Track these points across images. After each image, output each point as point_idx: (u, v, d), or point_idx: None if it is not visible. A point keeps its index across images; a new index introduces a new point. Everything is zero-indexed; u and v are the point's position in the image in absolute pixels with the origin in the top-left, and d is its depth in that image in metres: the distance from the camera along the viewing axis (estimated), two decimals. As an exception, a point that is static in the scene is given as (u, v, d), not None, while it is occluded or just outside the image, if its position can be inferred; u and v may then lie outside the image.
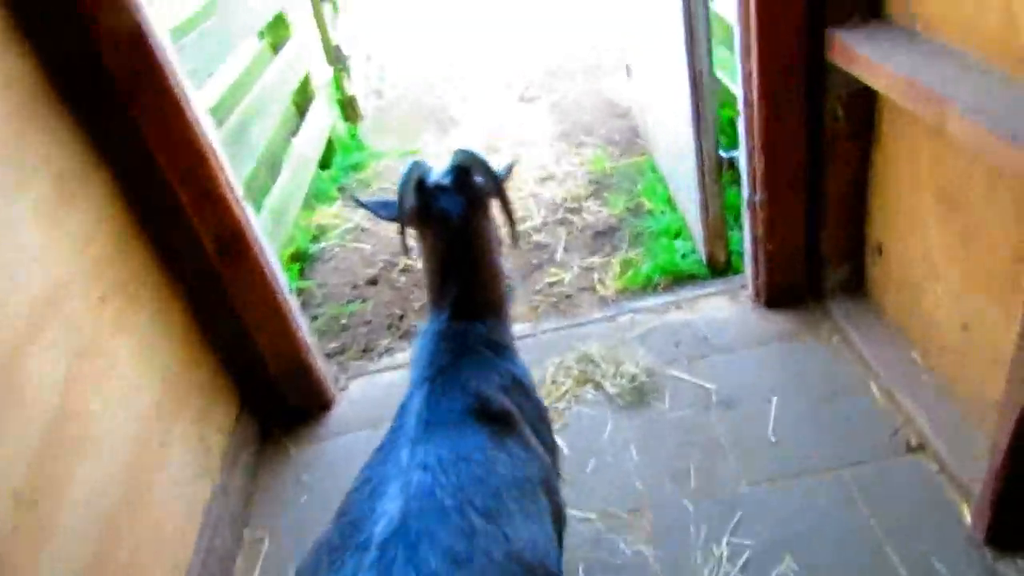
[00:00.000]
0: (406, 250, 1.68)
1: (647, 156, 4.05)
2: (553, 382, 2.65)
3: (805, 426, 2.29)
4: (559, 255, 3.49)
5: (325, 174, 4.40)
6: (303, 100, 4.36)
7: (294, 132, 4.27)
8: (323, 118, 4.39)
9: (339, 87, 4.55)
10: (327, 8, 4.35)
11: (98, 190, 2.11)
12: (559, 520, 1.45)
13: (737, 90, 2.46)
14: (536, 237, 3.66)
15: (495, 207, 1.68)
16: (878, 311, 2.51)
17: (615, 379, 2.62)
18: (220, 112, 3.29)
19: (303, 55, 4.24)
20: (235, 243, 2.42)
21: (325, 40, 4.38)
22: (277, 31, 4.13)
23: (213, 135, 2.30)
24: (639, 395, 2.54)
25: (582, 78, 5.51)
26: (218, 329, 2.56)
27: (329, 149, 4.54)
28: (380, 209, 1.66)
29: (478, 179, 1.59)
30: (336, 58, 4.39)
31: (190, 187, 2.30)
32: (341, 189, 4.43)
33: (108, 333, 2.03)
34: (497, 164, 1.64)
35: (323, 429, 2.73)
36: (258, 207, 3.47)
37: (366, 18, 6.91)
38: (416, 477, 1.19)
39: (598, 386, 2.63)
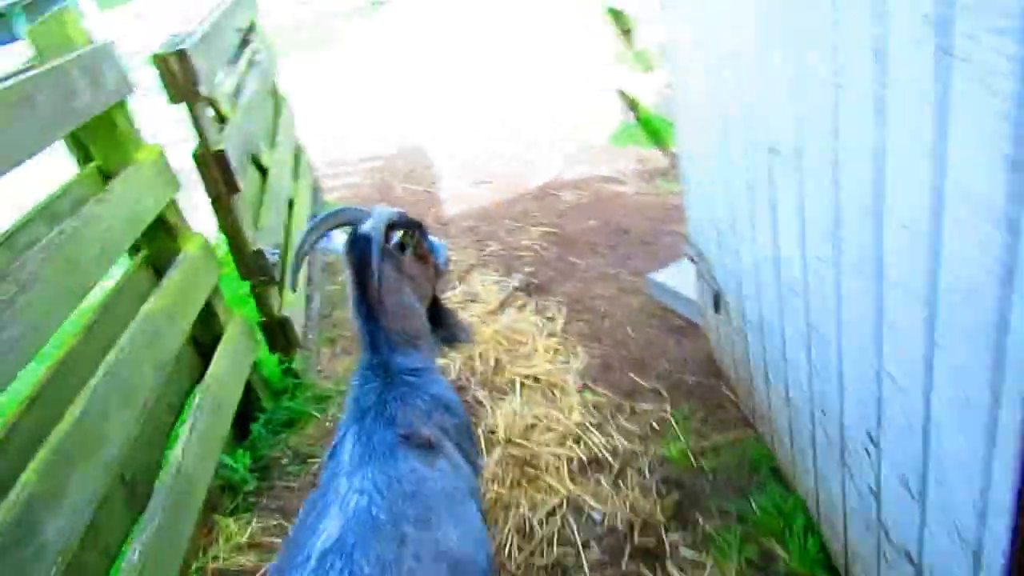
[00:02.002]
0: (295, 286, 1.97)
1: (755, 435, 2.55)
2: None
3: None
4: None
5: (238, 452, 2.81)
6: (206, 334, 2.82)
7: (192, 382, 2.71)
8: (234, 378, 2.83)
9: (263, 307, 3.03)
10: (239, 199, 2.84)
11: None
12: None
13: None
14: (592, 617, 2.09)
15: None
16: None
17: None
18: (24, 428, 1.73)
19: (201, 275, 2.72)
20: None
21: (237, 242, 2.87)
22: (157, 241, 2.62)
23: None
24: None
25: (612, 258, 4.07)
26: None
27: (249, 398, 2.97)
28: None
29: (396, 232, 1.83)
30: (256, 268, 2.89)
31: None
32: (263, 472, 2.84)
33: None
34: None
35: None
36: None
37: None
38: (354, 500, 1.34)
39: None
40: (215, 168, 2.68)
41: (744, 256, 2.21)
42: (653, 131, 5.42)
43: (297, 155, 4.73)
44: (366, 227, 1.73)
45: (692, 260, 2.73)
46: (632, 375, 3.01)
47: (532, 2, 10.14)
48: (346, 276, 1.78)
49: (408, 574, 1.23)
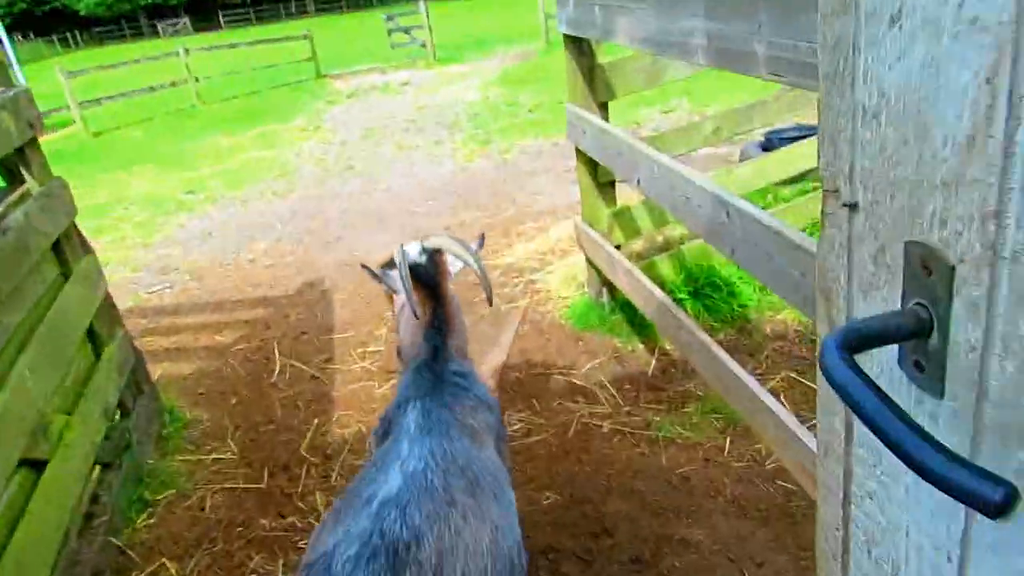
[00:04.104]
0: (417, 314, 2.03)
1: None
2: None
3: None
4: None
5: None
6: None
7: None
8: None
9: None
10: None
11: None
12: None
13: None
14: None
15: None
16: None
17: None
18: None
19: None
20: None
21: None
22: None
23: None
24: None
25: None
26: None
27: None
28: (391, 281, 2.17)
29: (450, 256, 2.15)
30: None
31: None
32: None
33: None
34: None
35: None
36: None
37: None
38: (413, 463, 1.57)
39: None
40: None
41: None
42: (637, 321, 3.91)
43: (108, 352, 2.98)
44: (413, 256, 2.13)
45: None
46: None
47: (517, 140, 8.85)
48: (406, 296, 1.99)
49: (455, 528, 1.43)
